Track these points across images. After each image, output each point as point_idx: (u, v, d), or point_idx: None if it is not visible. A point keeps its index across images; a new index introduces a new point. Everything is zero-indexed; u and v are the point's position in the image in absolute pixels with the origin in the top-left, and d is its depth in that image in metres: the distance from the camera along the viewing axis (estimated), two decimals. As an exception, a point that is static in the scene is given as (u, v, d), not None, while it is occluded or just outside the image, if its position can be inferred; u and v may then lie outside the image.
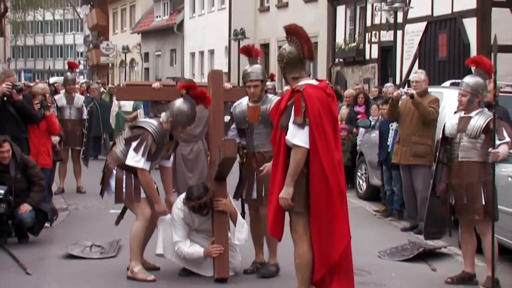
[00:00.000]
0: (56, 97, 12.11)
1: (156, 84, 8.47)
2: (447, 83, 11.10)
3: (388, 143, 10.07)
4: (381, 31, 21.69)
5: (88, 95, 16.42)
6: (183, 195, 6.89)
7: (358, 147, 12.54)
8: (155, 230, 7.05)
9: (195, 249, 6.82)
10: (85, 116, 12.12)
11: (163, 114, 6.92)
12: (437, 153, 7.05)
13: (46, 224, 8.57)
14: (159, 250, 6.94)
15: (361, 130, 12.51)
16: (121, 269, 7.04)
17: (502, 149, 6.54)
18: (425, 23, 19.31)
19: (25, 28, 59.52)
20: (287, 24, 5.68)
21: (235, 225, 6.85)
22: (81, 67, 53.60)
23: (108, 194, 7.01)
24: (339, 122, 13.31)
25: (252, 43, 27.55)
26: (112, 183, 6.87)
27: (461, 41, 17.88)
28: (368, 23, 22.92)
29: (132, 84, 10.72)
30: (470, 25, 17.57)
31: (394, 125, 9.90)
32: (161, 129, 6.82)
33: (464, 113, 6.85)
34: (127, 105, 16.44)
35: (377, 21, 22.02)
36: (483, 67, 6.79)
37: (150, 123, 6.84)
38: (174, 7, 39.36)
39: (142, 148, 6.67)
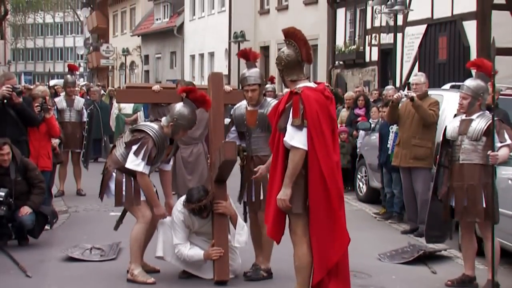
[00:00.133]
0: (56, 99, 12.10)
1: (156, 87, 8.49)
2: (447, 86, 11.11)
3: (388, 145, 10.07)
4: (381, 34, 21.68)
5: (88, 97, 16.42)
6: (183, 198, 6.89)
7: (358, 150, 12.54)
8: (155, 232, 7.05)
9: (195, 252, 6.81)
10: (85, 118, 12.12)
11: (163, 119, 6.93)
12: (438, 156, 7.05)
13: (46, 227, 8.58)
14: (159, 253, 6.94)
15: (361, 132, 12.51)
16: (121, 272, 7.04)
17: (503, 152, 6.55)
18: (425, 26, 19.31)
19: (26, 31, 59.65)
20: (285, 28, 5.70)
21: (235, 228, 6.84)
22: (81, 69, 53.65)
23: (108, 196, 7.00)
24: (339, 125, 13.38)
25: (252, 45, 27.70)
26: (112, 185, 6.87)
27: (461, 44, 17.88)
28: (368, 26, 22.92)
29: (132, 86, 10.75)
30: (470, 28, 17.56)
31: (394, 128, 9.90)
32: (162, 133, 6.82)
33: (466, 116, 6.85)
34: (127, 108, 16.45)
35: (377, 23, 22.02)
36: (484, 70, 6.78)
37: (151, 127, 6.84)
38: (174, 9, 39.38)
39: (142, 152, 6.67)
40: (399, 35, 19.07)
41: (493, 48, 6.57)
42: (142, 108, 15.46)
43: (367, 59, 23.21)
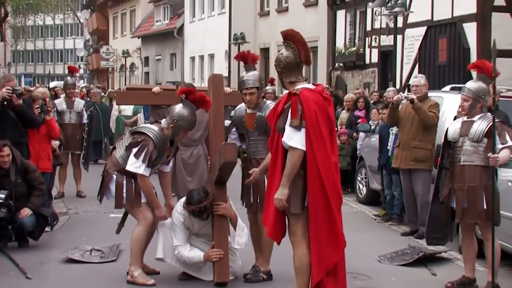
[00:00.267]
0: (56, 101, 12.11)
1: (156, 89, 8.48)
2: (447, 88, 11.11)
3: (388, 147, 10.07)
4: (381, 36, 21.68)
5: (88, 99, 16.43)
6: (183, 199, 6.89)
7: (358, 152, 12.54)
8: (155, 234, 7.05)
9: (195, 253, 6.81)
10: (85, 120, 12.12)
11: (163, 121, 6.92)
12: (440, 158, 7.05)
13: (46, 229, 8.57)
14: (159, 254, 6.94)
15: (361, 134, 12.51)
16: (121, 274, 7.04)
17: (504, 154, 6.55)
18: (425, 28, 19.31)
19: (26, 33, 59.68)
20: (284, 30, 5.72)
21: (235, 229, 6.84)
22: (81, 71, 53.65)
23: (108, 198, 6.99)
24: (340, 127, 13.40)
25: (252, 47, 27.71)
26: (112, 187, 6.86)
27: (461, 46, 17.88)
28: (368, 28, 22.93)
29: (132, 88, 10.69)
30: (470, 30, 17.57)
31: (394, 130, 9.90)
32: (162, 135, 6.82)
33: (467, 118, 6.85)
34: (127, 109, 16.45)
35: (377, 25, 22.02)
36: (485, 72, 6.78)
37: (152, 129, 6.83)
38: (174, 11, 39.40)
39: (143, 154, 6.67)
40: (399, 37, 19.08)
41: (494, 50, 6.58)
42: (142, 110, 15.44)
43: (367, 61, 23.22)
